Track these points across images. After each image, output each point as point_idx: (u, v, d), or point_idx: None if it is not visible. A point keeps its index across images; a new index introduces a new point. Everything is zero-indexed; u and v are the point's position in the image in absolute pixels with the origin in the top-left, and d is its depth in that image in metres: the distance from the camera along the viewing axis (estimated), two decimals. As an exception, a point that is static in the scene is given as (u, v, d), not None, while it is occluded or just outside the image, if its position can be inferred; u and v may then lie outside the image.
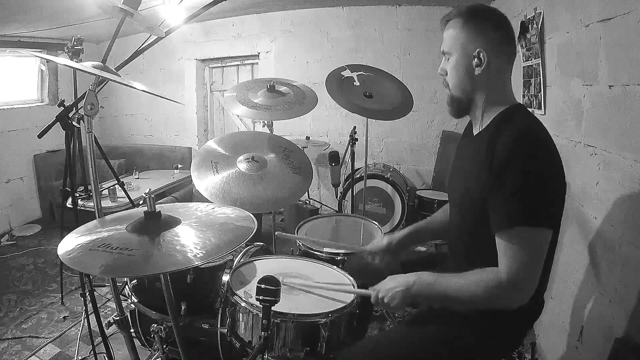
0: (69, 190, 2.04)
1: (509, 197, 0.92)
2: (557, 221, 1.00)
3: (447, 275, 1.02)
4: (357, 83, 2.38)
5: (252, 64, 4.43)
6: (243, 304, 1.24)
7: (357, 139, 2.80)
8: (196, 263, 0.90)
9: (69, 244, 0.99)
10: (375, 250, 1.42)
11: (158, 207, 1.08)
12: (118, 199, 3.01)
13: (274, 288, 1.04)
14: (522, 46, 2.35)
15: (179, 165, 4.13)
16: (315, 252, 1.75)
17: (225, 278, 1.46)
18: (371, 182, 3.34)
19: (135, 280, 1.53)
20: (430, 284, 1.04)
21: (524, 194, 0.91)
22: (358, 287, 1.34)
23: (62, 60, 1.27)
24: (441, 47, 1.09)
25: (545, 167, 0.93)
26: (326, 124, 4.11)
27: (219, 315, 1.40)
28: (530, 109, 2.25)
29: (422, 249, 2.10)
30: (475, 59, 1.01)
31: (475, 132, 1.14)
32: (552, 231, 0.94)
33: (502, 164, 0.94)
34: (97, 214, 1.31)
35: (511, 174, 0.92)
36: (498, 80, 1.05)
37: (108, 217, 1.21)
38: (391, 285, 1.09)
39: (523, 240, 0.91)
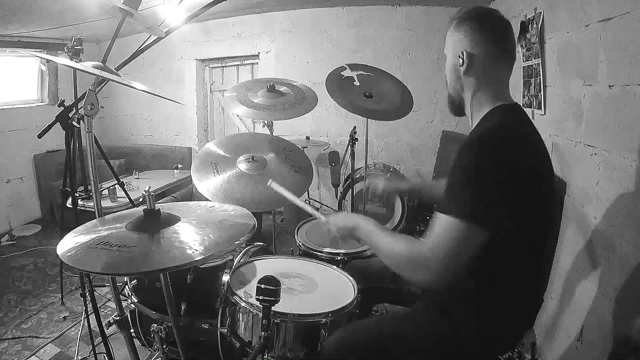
0: (69, 190, 2.04)
1: (450, 187, 0.97)
2: (501, 222, 0.93)
3: (387, 231, 1.09)
4: (357, 83, 2.38)
5: (252, 64, 4.43)
6: (243, 304, 1.24)
7: (357, 139, 2.80)
8: (196, 259, 0.89)
9: (69, 243, 0.99)
10: (371, 191, 1.55)
11: (158, 206, 1.08)
12: (118, 199, 3.01)
13: (274, 288, 1.04)
14: (522, 46, 2.35)
15: (179, 166, 4.13)
16: (315, 252, 1.75)
17: (225, 278, 1.46)
18: (371, 182, 3.33)
19: (135, 280, 1.53)
20: (369, 232, 1.12)
21: (463, 189, 0.94)
22: (358, 291, 1.34)
23: (62, 60, 1.27)
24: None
25: (501, 166, 0.92)
26: (326, 124, 4.11)
27: (219, 315, 1.40)
28: (530, 109, 2.25)
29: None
30: (460, 59, 1.05)
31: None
32: (488, 232, 0.91)
33: (456, 156, 0.98)
34: (97, 214, 1.31)
35: (458, 167, 0.96)
36: (486, 81, 1.05)
37: (108, 216, 1.21)
38: (341, 224, 1.20)
39: (453, 229, 0.92)
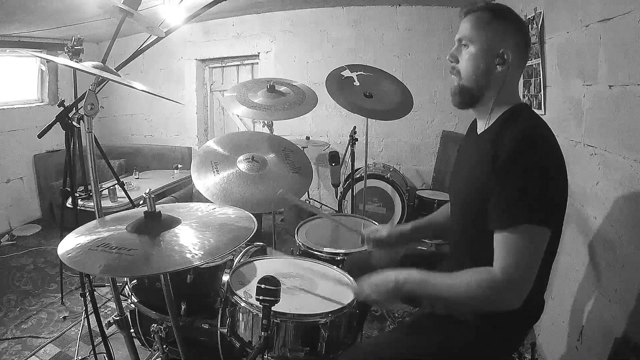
0: (69, 190, 2.04)
1: (511, 194, 0.92)
2: (558, 221, 0.99)
3: (438, 274, 1.02)
4: (357, 83, 2.38)
5: (252, 64, 4.43)
6: (243, 304, 1.24)
7: (357, 139, 2.80)
8: (195, 263, 0.89)
9: (69, 244, 0.99)
10: (374, 239, 1.42)
11: (158, 207, 1.08)
12: (118, 199, 3.01)
13: (274, 288, 1.04)
14: (522, 46, 2.35)
15: (179, 165, 4.13)
16: (315, 252, 1.75)
17: (225, 278, 1.46)
18: (371, 182, 3.33)
19: (135, 280, 1.53)
20: (421, 282, 1.04)
21: (527, 193, 0.91)
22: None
23: (62, 60, 1.27)
24: (457, 35, 1.08)
25: (549, 166, 0.93)
26: (326, 124, 4.11)
27: (219, 315, 1.40)
28: (530, 109, 2.25)
29: (423, 247, 2.10)
30: (498, 58, 1.02)
31: (479, 130, 1.14)
32: (551, 231, 0.93)
33: (505, 163, 0.93)
34: (97, 214, 1.31)
35: (515, 172, 0.92)
36: (511, 80, 1.06)
37: (108, 217, 1.21)
38: (379, 282, 1.09)
39: (524, 238, 0.90)
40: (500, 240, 0.93)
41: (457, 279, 0.97)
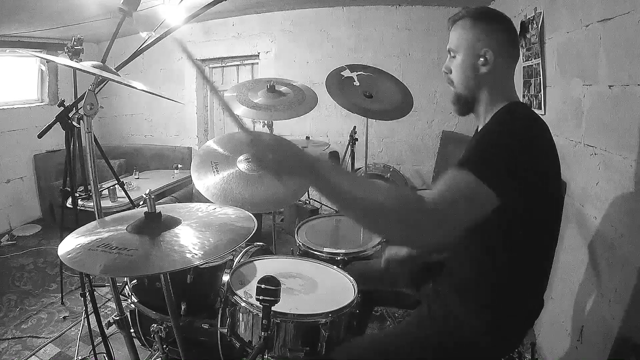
0: (69, 190, 2.04)
1: (474, 148, 0.96)
2: (513, 194, 0.90)
3: (357, 174, 1.00)
4: (357, 83, 2.38)
5: (252, 64, 4.43)
6: (243, 304, 1.24)
7: (357, 139, 2.80)
8: (195, 263, 0.89)
9: (69, 244, 0.99)
10: (397, 260, 1.38)
11: (159, 207, 1.08)
12: (118, 199, 3.00)
13: (274, 288, 1.04)
14: (522, 46, 2.35)
15: (179, 165, 4.12)
16: (315, 252, 1.75)
17: (225, 278, 1.46)
18: (371, 182, 3.33)
19: (135, 280, 1.53)
20: (336, 169, 0.95)
21: (484, 151, 0.94)
22: (358, 290, 1.33)
23: (62, 60, 1.28)
24: (447, 46, 1.11)
25: (525, 146, 0.93)
26: (326, 124, 4.11)
27: (219, 315, 1.40)
28: (530, 109, 2.25)
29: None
30: (481, 58, 1.03)
31: (478, 129, 1.15)
32: (495, 195, 0.87)
33: (482, 131, 0.99)
34: (97, 214, 1.31)
35: (486, 136, 0.99)
36: (500, 80, 1.07)
37: (108, 217, 1.21)
38: (284, 143, 0.90)
39: (461, 180, 0.88)
40: (444, 176, 0.92)
41: (382, 185, 0.90)
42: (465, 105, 1.11)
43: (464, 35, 1.06)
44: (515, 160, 0.91)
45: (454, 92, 1.12)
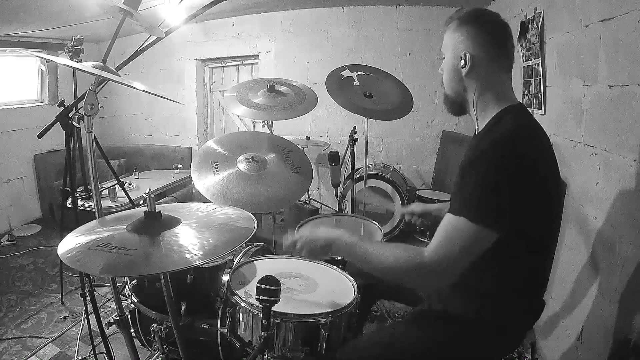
0: (69, 190, 2.04)
1: (465, 185, 0.95)
2: (512, 226, 0.93)
3: (373, 242, 1.09)
4: (357, 83, 2.38)
5: (252, 64, 4.42)
6: (243, 304, 1.24)
7: (357, 139, 2.80)
8: (195, 263, 0.89)
9: (69, 243, 0.99)
10: (419, 213, 1.50)
11: (158, 207, 1.08)
12: (118, 199, 3.01)
13: (274, 288, 1.04)
14: (522, 46, 2.35)
15: (179, 165, 4.13)
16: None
17: (225, 278, 1.46)
18: (371, 182, 3.33)
19: (135, 280, 1.53)
20: (351, 245, 1.07)
21: (475, 192, 0.92)
22: (358, 290, 1.33)
23: (62, 60, 1.27)
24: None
25: (513, 174, 0.91)
26: (326, 124, 4.11)
27: (219, 315, 1.40)
28: (530, 109, 2.25)
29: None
30: (462, 61, 1.04)
31: (477, 132, 1.15)
32: (497, 235, 0.91)
33: (470, 162, 0.96)
34: (97, 214, 1.31)
35: (474, 172, 0.94)
36: (488, 82, 1.05)
37: (108, 217, 1.21)
38: (313, 238, 1.14)
39: (460, 230, 0.91)
40: (442, 223, 0.96)
41: (388, 251, 1.01)
42: (452, 106, 1.14)
43: (450, 37, 1.08)
44: (510, 196, 0.91)
45: (443, 93, 1.15)
